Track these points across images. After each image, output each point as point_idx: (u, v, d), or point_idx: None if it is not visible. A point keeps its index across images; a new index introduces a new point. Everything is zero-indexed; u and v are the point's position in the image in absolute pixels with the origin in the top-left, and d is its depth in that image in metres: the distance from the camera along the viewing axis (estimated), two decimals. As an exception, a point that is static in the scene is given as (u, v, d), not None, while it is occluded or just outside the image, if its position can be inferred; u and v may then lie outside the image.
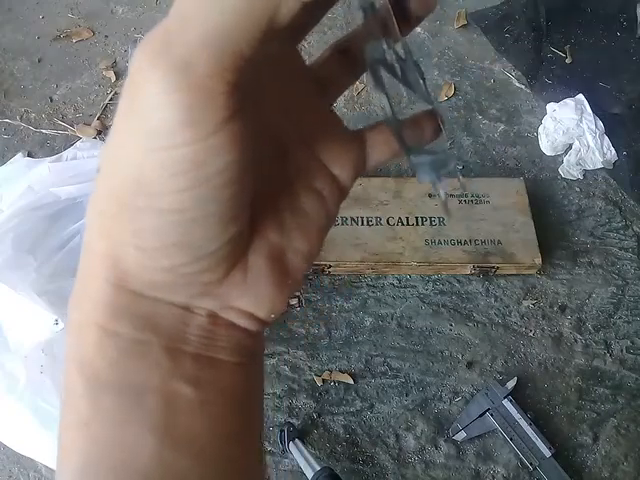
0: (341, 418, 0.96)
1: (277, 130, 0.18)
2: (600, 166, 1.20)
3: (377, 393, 0.99)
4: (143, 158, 0.13)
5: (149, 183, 0.13)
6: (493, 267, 1.05)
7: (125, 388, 0.15)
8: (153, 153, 0.13)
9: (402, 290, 1.08)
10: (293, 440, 0.91)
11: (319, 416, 0.96)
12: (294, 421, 0.95)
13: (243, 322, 0.17)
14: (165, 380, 0.15)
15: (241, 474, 0.17)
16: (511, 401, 0.95)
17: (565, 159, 1.21)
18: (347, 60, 0.20)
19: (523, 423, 0.93)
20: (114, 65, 1.35)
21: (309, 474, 0.84)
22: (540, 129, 1.26)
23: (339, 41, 0.20)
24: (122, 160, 0.13)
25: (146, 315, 0.15)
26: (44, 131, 1.25)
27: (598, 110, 1.21)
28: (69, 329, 0.16)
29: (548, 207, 1.17)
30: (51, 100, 1.31)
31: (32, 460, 0.86)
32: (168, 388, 0.15)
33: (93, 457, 0.15)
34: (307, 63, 0.20)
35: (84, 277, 0.16)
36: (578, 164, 1.20)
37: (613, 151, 1.20)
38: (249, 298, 0.17)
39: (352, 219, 1.05)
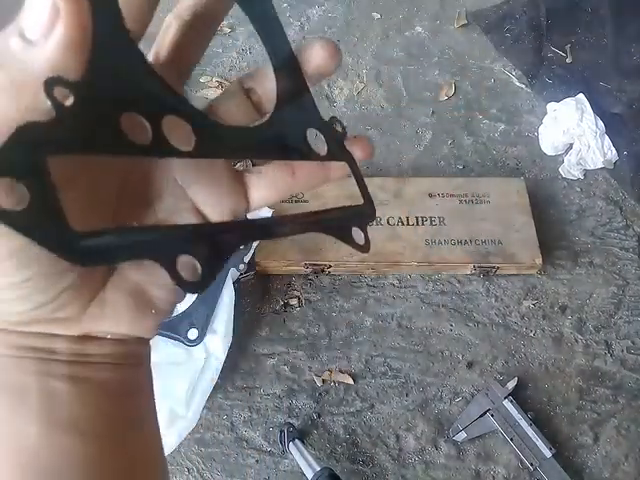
0: (341, 418, 0.96)
1: (143, 175, 0.19)
2: (601, 166, 1.20)
3: (377, 393, 0.98)
4: None
5: None
6: (493, 267, 1.05)
7: (9, 391, 0.18)
8: None
9: (402, 290, 1.07)
10: (293, 440, 0.90)
11: (319, 416, 0.96)
12: (294, 421, 0.95)
13: (111, 337, 0.19)
14: (41, 381, 0.18)
15: (128, 453, 0.20)
16: (511, 401, 0.95)
17: (566, 159, 1.21)
18: (247, 100, 0.20)
19: (523, 423, 0.93)
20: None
21: (309, 474, 0.84)
22: (541, 129, 1.25)
23: (242, 77, 0.21)
24: None
25: (15, 342, 0.18)
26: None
27: (599, 110, 1.21)
28: None
29: (549, 207, 1.17)
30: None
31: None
32: (45, 386, 0.18)
33: None
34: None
35: None
36: (579, 164, 1.20)
37: (614, 151, 1.19)
38: (110, 325, 0.19)
39: (352, 219, 1.04)
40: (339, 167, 0.21)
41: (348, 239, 0.21)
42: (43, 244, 0.13)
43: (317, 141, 0.20)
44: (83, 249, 0.13)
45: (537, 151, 1.24)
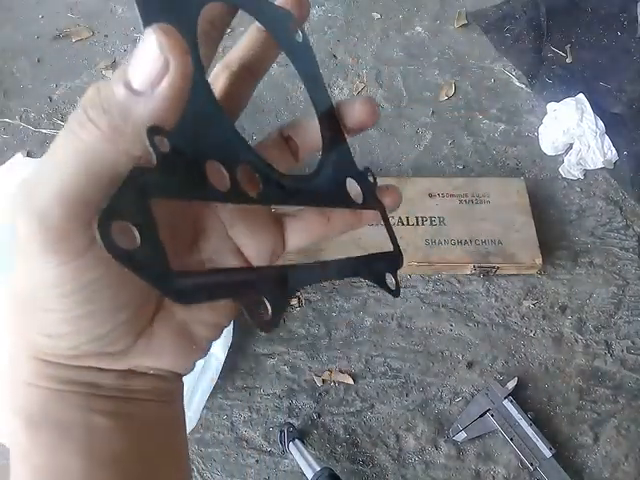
0: (341, 418, 0.96)
1: (192, 216, 0.21)
2: (601, 166, 1.20)
3: (377, 393, 0.98)
4: (30, 273, 0.16)
5: (38, 290, 0.16)
6: (493, 267, 1.05)
7: (53, 425, 0.18)
8: (36, 270, 0.16)
9: (402, 290, 1.07)
10: (293, 440, 0.90)
11: (319, 416, 0.96)
12: (294, 421, 0.95)
13: (154, 373, 0.20)
14: (85, 416, 0.18)
15: None
16: (511, 401, 0.95)
17: (566, 159, 1.21)
18: (286, 147, 0.22)
19: (523, 423, 0.93)
20: (113, 65, 1.35)
21: (309, 475, 0.84)
22: (541, 129, 1.25)
23: (283, 126, 0.22)
24: (18, 272, 0.17)
25: (62, 375, 0.18)
26: (43, 131, 1.25)
27: (599, 110, 1.21)
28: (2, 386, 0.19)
29: (549, 207, 1.17)
30: (50, 100, 1.30)
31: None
32: (89, 421, 0.18)
33: None
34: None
35: (12, 351, 0.19)
36: (579, 164, 1.20)
37: (614, 151, 1.19)
38: (154, 360, 0.19)
39: (352, 219, 1.04)
40: (371, 215, 0.22)
41: (382, 283, 0.22)
42: (151, 281, 0.14)
43: (354, 190, 0.22)
44: (182, 288, 0.15)
45: (537, 151, 1.24)
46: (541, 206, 1.15)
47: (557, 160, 1.23)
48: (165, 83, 0.13)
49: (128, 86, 0.14)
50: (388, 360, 1.01)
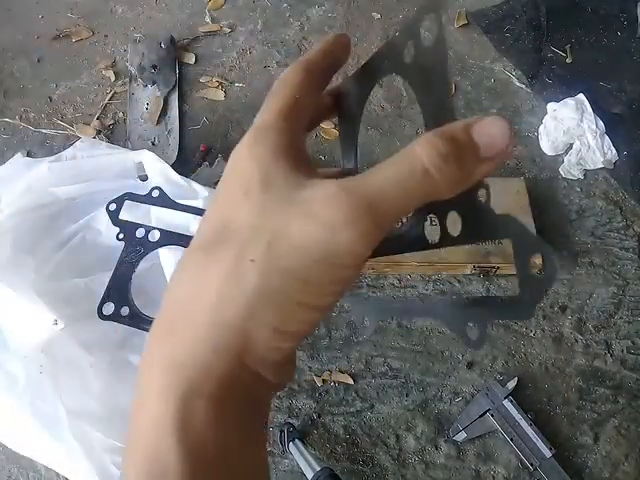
0: (341, 418, 0.96)
1: None
2: (601, 166, 1.20)
3: (377, 393, 0.98)
4: (313, 265, 0.17)
5: (314, 285, 0.17)
6: (493, 267, 1.05)
7: (235, 471, 0.18)
8: (325, 265, 0.17)
9: (402, 290, 1.07)
10: (293, 441, 0.90)
11: (319, 416, 0.96)
12: (294, 421, 0.95)
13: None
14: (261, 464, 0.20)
15: None
16: (511, 401, 0.95)
17: (566, 159, 1.21)
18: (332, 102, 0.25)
19: (523, 423, 0.93)
20: (113, 65, 1.35)
21: (309, 475, 0.84)
22: (541, 129, 1.25)
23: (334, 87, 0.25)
24: (294, 262, 0.17)
25: (252, 392, 0.18)
26: (43, 131, 1.25)
27: (599, 110, 1.21)
28: (159, 394, 0.18)
29: (549, 207, 1.17)
30: (50, 100, 1.30)
31: (31, 460, 0.86)
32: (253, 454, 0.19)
33: None
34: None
35: (207, 346, 0.18)
36: (579, 164, 1.20)
37: (614, 151, 1.19)
38: (291, 377, 0.21)
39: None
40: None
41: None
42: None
43: None
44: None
45: (537, 151, 1.24)
46: (541, 206, 1.15)
47: (557, 160, 1.23)
48: (501, 157, 0.17)
49: (477, 152, 0.17)
50: (388, 360, 1.01)
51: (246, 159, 0.19)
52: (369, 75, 0.24)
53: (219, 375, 0.17)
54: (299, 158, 0.19)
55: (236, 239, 0.18)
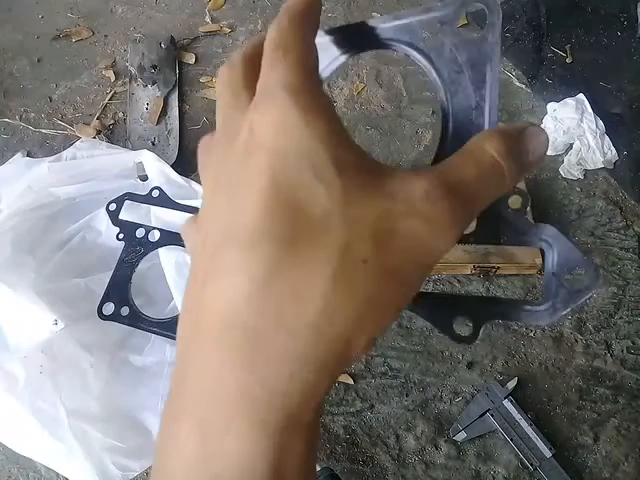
0: (341, 418, 0.96)
1: None
2: (601, 166, 1.20)
3: (377, 393, 0.98)
4: (416, 267, 0.16)
5: (412, 288, 0.16)
6: (493, 267, 1.05)
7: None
8: (424, 268, 0.16)
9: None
10: (293, 440, 0.90)
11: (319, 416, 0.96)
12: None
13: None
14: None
15: None
16: (511, 401, 0.95)
17: (566, 159, 1.21)
18: None
19: (523, 423, 0.93)
20: (113, 65, 1.35)
21: (309, 475, 0.84)
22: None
23: None
24: (402, 263, 0.15)
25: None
26: (43, 131, 1.25)
27: (599, 110, 1.21)
28: (241, 431, 0.14)
29: (549, 207, 1.17)
30: (50, 100, 1.30)
31: (31, 460, 0.86)
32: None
33: None
34: None
35: (310, 366, 0.14)
36: (579, 164, 1.20)
37: (614, 151, 1.19)
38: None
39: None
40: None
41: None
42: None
43: None
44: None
45: (537, 151, 1.24)
46: (541, 206, 1.15)
47: (557, 160, 1.23)
48: (537, 164, 0.18)
49: (527, 155, 0.17)
50: (388, 360, 1.01)
51: (301, 129, 0.15)
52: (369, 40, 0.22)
53: (320, 401, 0.15)
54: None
55: (331, 231, 0.14)
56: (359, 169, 0.15)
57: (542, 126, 1.25)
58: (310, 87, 0.16)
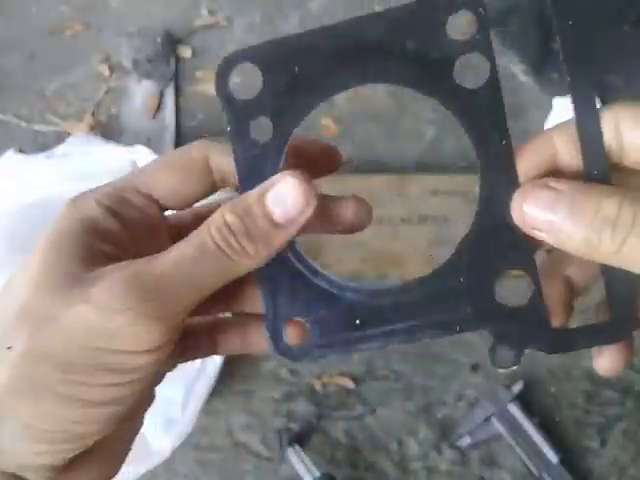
0: (341, 423, 0.95)
1: None
2: (608, 162, 1.18)
3: (379, 397, 0.97)
4: (78, 350, 0.15)
5: (80, 373, 0.15)
6: (498, 267, 1.03)
7: None
8: (90, 351, 0.15)
9: (404, 291, 1.06)
10: (292, 446, 0.89)
11: (319, 421, 0.95)
12: (293, 426, 0.94)
13: None
14: None
15: None
16: (517, 405, 0.93)
17: (572, 155, 1.19)
18: None
19: (529, 428, 0.92)
20: (108, 59, 1.33)
21: (308, 482, 0.83)
22: (547, 124, 1.24)
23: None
24: (58, 348, 0.16)
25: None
26: (36, 127, 1.24)
27: (605, 104, 1.19)
28: None
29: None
30: (43, 95, 1.29)
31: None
32: None
33: None
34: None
35: None
36: (585, 160, 1.18)
37: (621, 147, 1.17)
38: None
39: (353, 218, 1.02)
40: None
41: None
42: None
43: None
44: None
45: (542, 147, 1.22)
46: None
47: (563, 157, 1.21)
48: (302, 218, 0.17)
49: (271, 220, 0.17)
50: (390, 363, 1.00)
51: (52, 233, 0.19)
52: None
53: None
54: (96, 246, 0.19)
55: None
56: (66, 273, 0.18)
57: (548, 121, 1.23)
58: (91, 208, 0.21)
